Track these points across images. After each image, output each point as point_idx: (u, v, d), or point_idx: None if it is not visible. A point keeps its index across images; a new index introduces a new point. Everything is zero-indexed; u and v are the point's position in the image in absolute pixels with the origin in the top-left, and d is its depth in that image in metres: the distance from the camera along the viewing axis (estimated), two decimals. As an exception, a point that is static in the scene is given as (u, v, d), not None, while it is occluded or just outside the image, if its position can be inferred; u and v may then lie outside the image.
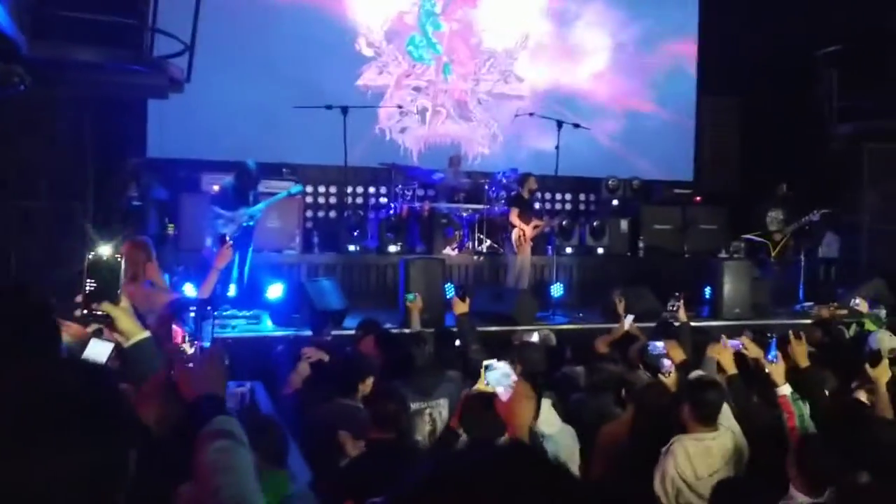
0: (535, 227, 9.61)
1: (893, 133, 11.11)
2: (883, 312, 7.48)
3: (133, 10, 7.30)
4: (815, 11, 10.95)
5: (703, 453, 3.64)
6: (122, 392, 1.44)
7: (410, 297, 6.63)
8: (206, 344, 2.09)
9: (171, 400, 1.94)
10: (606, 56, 12.46)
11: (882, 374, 4.22)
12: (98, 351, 2.24)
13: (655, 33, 12.58)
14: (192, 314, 2.17)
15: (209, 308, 2.20)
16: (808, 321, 7.81)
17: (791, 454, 3.25)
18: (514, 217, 9.50)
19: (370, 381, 4.45)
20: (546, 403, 3.99)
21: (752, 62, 11.41)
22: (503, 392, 2.68)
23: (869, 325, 7.08)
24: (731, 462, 3.71)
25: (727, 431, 3.79)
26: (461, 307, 5.21)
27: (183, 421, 1.83)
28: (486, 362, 3.93)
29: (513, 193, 10.06)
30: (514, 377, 2.73)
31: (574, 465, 3.87)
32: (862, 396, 4.52)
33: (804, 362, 4.55)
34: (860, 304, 7.55)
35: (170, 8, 7.74)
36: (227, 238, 4.59)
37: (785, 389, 3.83)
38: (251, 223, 7.91)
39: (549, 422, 3.87)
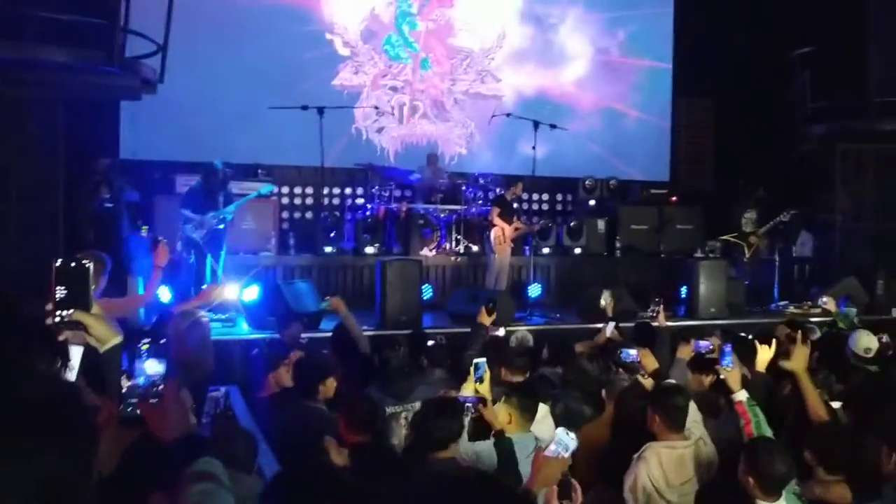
0: (517, 228, 9.59)
1: (865, 134, 11.26)
2: (853, 311, 7.53)
3: (104, 10, 7.21)
4: (789, 13, 11.05)
5: (676, 461, 3.63)
6: (86, 403, 1.42)
7: (324, 304, 6.42)
8: (141, 381, 1.89)
9: (122, 435, 1.89)
10: (583, 59, 12.48)
11: (798, 362, 4.03)
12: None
13: (631, 35, 12.64)
14: (146, 346, 2.03)
15: (140, 343, 2.04)
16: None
17: (742, 461, 3.20)
18: (495, 216, 9.47)
19: (331, 382, 4.42)
20: (543, 409, 3.98)
21: (726, 63, 11.50)
22: (552, 451, 2.73)
23: (840, 324, 7.15)
24: (702, 471, 3.71)
25: (698, 440, 3.79)
26: (485, 319, 5.56)
27: (133, 456, 1.79)
28: (476, 361, 4.00)
29: (497, 193, 10.08)
30: (573, 449, 2.76)
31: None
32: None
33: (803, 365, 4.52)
34: (828, 302, 7.63)
35: (142, 8, 7.67)
36: (159, 237, 4.50)
37: (741, 395, 3.79)
38: (221, 226, 7.84)
39: (546, 427, 3.87)
